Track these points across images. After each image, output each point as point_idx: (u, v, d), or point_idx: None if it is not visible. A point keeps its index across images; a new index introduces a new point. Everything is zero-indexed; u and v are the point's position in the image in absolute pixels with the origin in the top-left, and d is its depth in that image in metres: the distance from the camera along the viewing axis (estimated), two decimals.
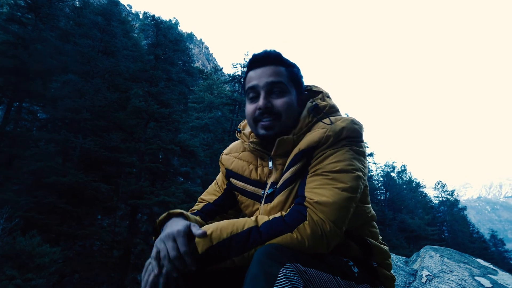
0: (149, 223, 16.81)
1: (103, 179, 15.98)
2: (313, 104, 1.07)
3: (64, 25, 20.05)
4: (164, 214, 0.96)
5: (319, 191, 0.89)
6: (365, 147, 1.03)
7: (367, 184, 1.05)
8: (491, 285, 2.29)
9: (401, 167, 43.62)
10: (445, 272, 2.45)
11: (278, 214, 0.90)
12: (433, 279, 2.32)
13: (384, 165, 39.35)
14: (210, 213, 1.18)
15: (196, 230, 0.86)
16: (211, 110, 27.08)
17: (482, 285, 2.29)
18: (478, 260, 2.88)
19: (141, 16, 65.56)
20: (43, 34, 16.67)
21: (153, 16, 24.47)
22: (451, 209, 42.73)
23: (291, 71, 1.09)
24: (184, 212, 0.98)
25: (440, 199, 44.26)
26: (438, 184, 44.91)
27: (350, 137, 0.98)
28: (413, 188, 44.55)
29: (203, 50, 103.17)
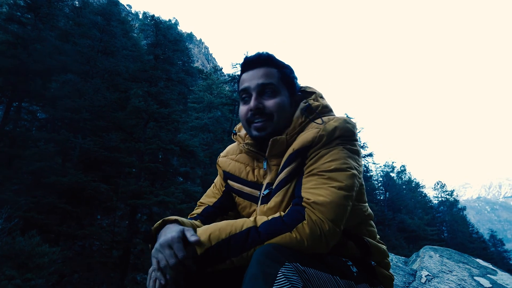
0: (149, 223, 16.79)
1: (103, 179, 15.96)
2: (306, 104, 1.08)
3: (63, 25, 20.03)
4: (159, 222, 0.97)
5: (315, 191, 0.89)
6: (359, 146, 1.04)
7: (363, 183, 1.05)
8: (490, 285, 2.29)
9: (400, 167, 43.68)
10: (444, 272, 2.46)
11: (277, 214, 0.90)
12: (433, 279, 2.32)
13: (383, 165, 39.40)
14: (211, 216, 1.18)
15: (190, 235, 0.86)
16: (210, 110, 27.07)
17: (482, 285, 2.29)
18: (478, 260, 2.89)
19: (140, 16, 65.55)
20: (42, 34, 16.64)
21: (153, 16, 24.43)
22: (451, 209, 42.76)
23: (283, 73, 1.09)
24: (179, 218, 0.98)
25: (440, 199, 44.30)
26: (438, 184, 44.94)
27: (344, 136, 0.98)
28: (413, 188, 44.58)
29: (203, 50, 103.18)
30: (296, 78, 1.15)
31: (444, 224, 41.78)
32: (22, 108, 18.12)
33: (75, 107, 16.01)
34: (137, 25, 43.48)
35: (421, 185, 46.36)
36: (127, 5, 78.22)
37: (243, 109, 1.08)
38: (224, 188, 1.24)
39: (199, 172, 20.93)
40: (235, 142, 1.25)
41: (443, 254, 2.83)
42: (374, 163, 36.49)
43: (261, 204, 1.06)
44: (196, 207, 1.26)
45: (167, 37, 21.79)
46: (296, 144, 1.00)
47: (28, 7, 16.93)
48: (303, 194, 0.91)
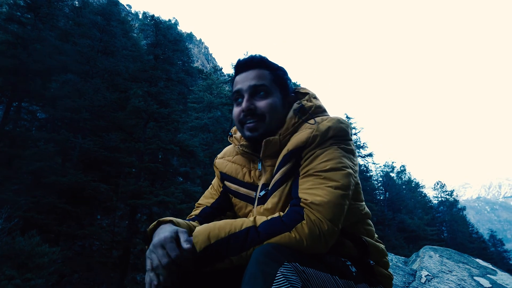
0: (149, 223, 16.79)
1: (103, 179, 15.96)
2: (299, 105, 1.08)
3: (63, 25, 20.03)
4: (154, 223, 0.97)
5: (312, 191, 0.90)
6: (354, 145, 1.05)
7: (359, 182, 1.06)
8: (490, 285, 2.29)
9: (400, 167, 43.68)
10: (444, 272, 2.46)
11: (276, 214, 0.90)
12: (433, 279, 2.32)
13: (383, 165, 39.39)
14: (208, 217, 1.19)
15: (183, 239, 0.86)
16: (210, 110, 27.05)
17: (481, 285, 2.29)
18: (477, 260, 2.89)
19: (140, 16, 65.52)
20: (42, 34, 16.64)
21: (153, 16, 24.42)
22: (451, 209, 42.76)
23: (276, 74, 1.11)
24: (174, 219, 0.99)
25: (440, 199, 44.30)
26: (438, 184, 44.95)
27: (337, 136, 0.99)
28: (413, 188, 44.58)
29: (203, 50, 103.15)
30: (289, 80, 1.16)
31: (444, 224, 41.78)
32: (22, 108, 18.12)
33: (75, 107, 16.00)
34: (137, 25, 43.47)
35: (421, 185, 46.37)
36: (127, 5, 78.19)
37: (236, 110, 1.10)
38: (221, 189, 1.25)
39: (199, 172, 20.92)
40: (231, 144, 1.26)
41: (443, 254, 2.84)
42: (374, 163, 36.51)
43: (257, 205, 1.07)
44: (194, 209, 1.27)
45: (167, 37, 21.79)
46: (290, 145, 1.00)
47: (28, 7, 16.91)
48: (300, 195, 0.91)
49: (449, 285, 2.22)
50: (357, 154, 1.06)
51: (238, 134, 1.20)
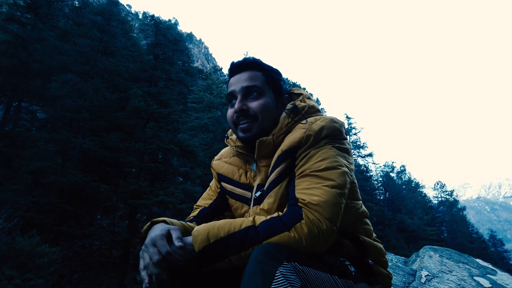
0: None
1: (103, 179, 15.96)
2: (292, 105, 1.09)
3: (63, 25, 20.01)
4: (148, 224, 0.98)
5: (309, 191, 0.90)
6: (348, 144, 1.05)
7: (355, 181, 1.07)
8: (490, 285, 2.29)
9: (400, 167, 43.68)
10: (444, 272, 2.46)
11: (275, 214, 0.90)
12: (432, 279, 2.32)
13: (383, 165, 39.40)
14: (207, 217, 1.20)
15: (175, 237, 0.87)
16: (210, 110, 27.05)
17: (481, 285, 2.29)
18: (477, 260, 2.89)
19: (140, 16, 65.51)
20: (42, 34, 16.63)
21: (153, 16, 24.42)
22: (451, 209, 42.76)
23: (269, 75, 1.12)
24: (167, 219, 0.99)
25: (440, 199, 44.31)
26: (437, 184, 44.95)
27: (331, 135, 1.00)
28: (413, 188, 44.57)
29: (203, 50, 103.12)
30: (283, 81, 1.17)
31: (444, 224, 41.79)
32: (22, 108, 18.11)
33: (75, 107, 16.00)
34: (137, 25, 43.45)
35: (421, 185, 46.36)
36: (127, 5, 78.18)
37: (229, 112, 1.11)
38: (219, 190, 1.26)
39: (199, 172, 20.91)
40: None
41: (443, 254, 2.84)
42: (374, 163, 36.54)
43: (254, 205, 1.07)
44: (193, 210, 1.28)
45: (167, 37, 21.79)
46: (284, 145, 1.01)
47: (28, 7, 16.90)
48: (297, 195, 0.91)
49: (449, 285, 2.21)
50: (352, 152, 1.07)
51: (234, 136, 1.21)
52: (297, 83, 38.96)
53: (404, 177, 43.99)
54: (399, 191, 38.04)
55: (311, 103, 1.13)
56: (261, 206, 1.03)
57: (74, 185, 13.98)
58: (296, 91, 1.20)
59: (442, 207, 43.59)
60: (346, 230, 1.02)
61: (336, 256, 0.93)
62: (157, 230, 0.90)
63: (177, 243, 0.86)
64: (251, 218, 0.90)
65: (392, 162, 42.38)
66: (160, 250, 0.85)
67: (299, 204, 0.89)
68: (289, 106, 1.10)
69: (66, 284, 13.19)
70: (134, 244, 15.50)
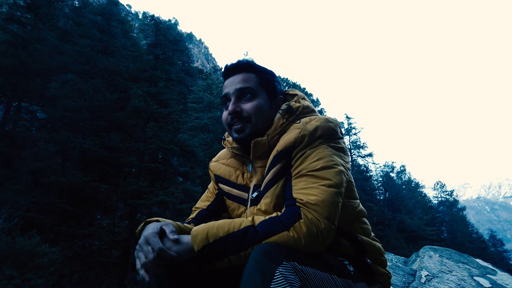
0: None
1: (103, 179, 15.95)
2: (286, 106, 1.10)
3: (63, 24, 20.00)
4: (141, 224, 0.99)
5: (306, 191, 0.91)
6: (344, 143, 1.06)
7: (351, 180, 1.07)
8: (490, 285, 2.29)
9: (400, 167, 43.67)
10: (444, 272, 2.46)
11: (274, 214, 0.90)
12: (432, 279, 2.32)
13: (383, 165, 39.38)
14: (204, 219, 1.21)
15: (169, 231, 0.88)
16: (210, 110, 27.05)
17: (481, 285, 2.29)
18: (477, 260, 2.89)
19: (140, 16, 65.53)
20: (42, 34, 16.63)
21: (153, 16, 24.40)
22: (450, 209, 42.75)
23: (262, 77, 1.13)
24: (160, 218, 1.00)
25: (439, 199, 44.29)
26: (437, 184, 44.94)
27: (326, 135, 1.00)
28: (412, 188, 44.57)
29: (203, 50, 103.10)
30: (277, 82, 1.18)
31: (444, 224, 41.78)
32: (22, 108, 18.11)
33: (75, 107, 15.99)
34: (137, 25, 43.46)
35: (420, 185, 46.35)
36: (127, 5, 78.17)
37: (224, 114, 1.13)
38: (217, 191, 1.27)
39: (199, 172, 20.90)
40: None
41: (443, 254, 2.84)
42: (374, 163, 36.49)
43: (251, 206, 1.08)
44: (192, 213, 1.29)
45: (167, 37, 21.77)
46: (279, 146, 1.02)
47: (28, 7, 16.90)
48: (295, 195, 0.92)
49: (449, 285, 2.22)
50: (348, 152, 1.07)
51: (231, 138, 1.22)
52: (297, 83, 38.96)
53: (404, 177, 43.99)
54: (399, 191, 38.03)
55: (306, 103, 1.13)
56: (258, 206, 1.03)
57: (74, 185, 13.98)
58: (291, 92, 1.20)
59: (442, 207, 43.58)
60: (344, 229, 1.02)
61: (335, 256, 0.94)
62: (150, 228, 0.91)
63: (171, 236, 0.87)
64: (250, 218, 0.90)
65: (392, 162, 42.37)
66: (153, 247, 0.85)
67: (297, 204, 0.89)
68: (283, 106, 1.10)
69: (66, 284, 13.19)
70: (134, 244, 15.48)
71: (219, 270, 0.92)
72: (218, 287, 0.96)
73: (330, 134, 1.01)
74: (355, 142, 34.44)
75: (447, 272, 2.46)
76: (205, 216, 1.23)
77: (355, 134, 34.56)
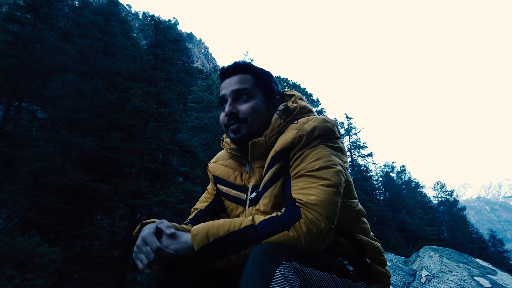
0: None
1: (103, 179, 15.96)
2: (284, 106, 1.11)
3: (63, 24, 20.01)
4: (138, 226, 0.99)
5: (306, 191, 0.91)
6: (342, 143, 1.06)
7: (350, 179, 1.07)
8: (490, 285, 2.29)
9: (400, 167, 43.66)
10: (444, 272, 2.46)
11: (274, 214, 0.90)
12: (433, 279, 2.32)
13: (383, 165, 39.39)
14: (202, 220, 1.21)
15: (165, 227, 0.89)
16: (210, 110, 27.06)
17: (482, 285, 2.29)
18: (477, 260, 2.89)
19: (140, 16, 65.56)
20: (42, 34, 16.63)
21: (153, 16, 24.39)
22: (451, 209, 42.75)
23: (258, 78, 1.14)
24: (156, 220, 1.01)
25: (440, 199, 44.29)
26: (438, 184, 44.94)
27: (324, 135, 1.00)
28: (413, 188, 44.57)
29: (203, 50, 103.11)
30: (274, 83, 1.19)
31: (444, 224, 41.77)
32: (22, 108, 18.10)
33: (75, 107, 16.00)
34: (137, 25, 43.46)
35: (421, 185, 46.33)
36: (127, 5, 78.18)
37: (221, 115, 1.14)
38: (215, 192, 1.28)
39: (199, 172, 20.90)
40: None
41: (443, 254, 2.83)
42: (374, 163, 36.49)
43: (249, 206, 1.09)
44: (190, 214, 1.29)
45: (167, 37, 21.76)
46: (277, 146, 1.02)
47: (28, 7, 16.90)
48: (294, 196, 0.92)
49: (449, 285, 2.21)
50: (346, 151, 1.08)
51: (229, 139, 1.23)
52: (297, 83, 38.95)
53: (404, 177, 43.98)
54: (399, 191, 38.03)
55: (303, 103, 1.14)
56: (257, 207, 1.04)
57: (74, 185, 13.98)
58: (288, 92, 1.21)
59: (442, 207, 43.58)
60: (343, 229, 1.02)
61: (335, 256, 0.94)
62: (146, 229, 0.92)
63: (167, 231, 0.88)
64: (250, 218, 0.90)
65: (392, 162, 42.40)
66: (151, 246, 0.86)
67: (296, 204, 0.89)
68: (281, 107, 1.11)
69: (66, 284, 13.19)
70: (133, 246, 15.46)
71: (219, 270, 0.92)
72: (217, 287, 0.97)
73: (328, 134, 1.01)
74: (355, 142, 34.44)
75: (447, 272, 2.46)
76: (203, 217, 1.23)
77: (355, 134, 34.57)
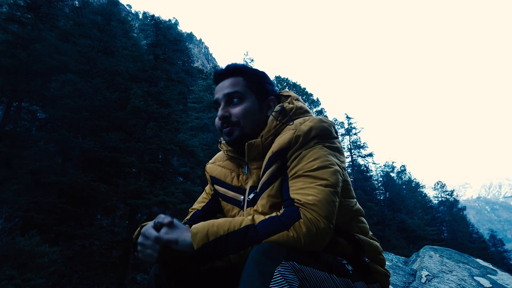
0: None
1: (103, 179, 15.97)
2: (280, 107, 1.11)
3: (63, 24, 20.02)
4: (138, 229, 1.01)
5: (304, 191, 0.91)
6: (339, 143, 1.06)
7: (347, 179, 1.07)
8: (490, 285, 2.29)
9: (400, 167, 43.62)
10: (444, 272, 2.45)
11: (274, 214, 0.91)
12: (433, 279, 2.32)
13: (383, 165, 39.34)
14: (199, 220, 1.21)
15: (162, 218, 0.92)
16: (210, 110, 27.05)
17: (482, 285, 2.29)
18: (478, 260, 2.88)
19: (140, 16, 65.63)
20: (42, 34, 16.63)
21: (153, 16, 24.40)
22: (451, 209, 42.74)
23: (251, 80, 1.14)
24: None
25: (440, 199, 44.27)
26: (438, 184, 44.92)
27: (321, 135, 1.01)
28: (413, 188, 44.54)
29: (203, 50, 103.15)
30: (268, 83, 1.19)
31: (444, 224, 41.76)
32: (22, 108, 18.11)
33: (75, 107, 16.01)
34: (137, 25, 43.48)
35: (421, 185, 46.30)
36: (127, 5, 78.23)
37: (216, 119, 1.15)
38: (212, 192, 1.29)
39: (199, 172, 20.90)
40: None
41: (443, 254, 2.83)
42: (374, 163, 36.45)
43: (247, 207, 1.09)
44: (188, 214, 1.31)
45: (167, 37, 21.77)
46: (274, 147, 1.03)
47: (28, 7, 16.91)
48: (292, 196, 0.92)
49: (449, 285, 2.21)
50: (343, 151, 1.08)
51: None
52: (297, 83, 38.90)
53: (404, 177, 43.95)
54: (399, 191, 38.01)
55: (299, 104, 1.14)
56: (255, 207, 1.04)
57: (74, 185, 13.99)
58: (285, 93, 1.22)
59: (442, 207, 43.57)
60: (341, 228, 1.02)
61: (334, 255, 0.94)
62: (146, 227, 0.94)
63: (165, 220, 0.90)
64: (250, 217, 0.90)
65: (392, 162, 42.32)
66: (150, 237, 0.89)
67: (295, 204, 0.90)
68: (277, 108, 1.12)
69: (66, 284, 13.20)
70: (133, 249, 15.46)
71: (218, 270, 0.92)
72: (217, 286, 0.97)
73: (324, 134, 1.01)
74: (355, 142, 34.43)
75: (448, 272, 2.45)
76: (200, 217, 1.24)
77: (355, 134, 34.55)
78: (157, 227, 0.91)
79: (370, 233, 1.13)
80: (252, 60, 29.93)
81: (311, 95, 37.78)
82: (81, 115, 16.11)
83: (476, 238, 43.46)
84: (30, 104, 18.44)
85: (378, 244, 1.10)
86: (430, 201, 46.04)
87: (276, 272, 0.74)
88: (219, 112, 1.11)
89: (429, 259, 2.69)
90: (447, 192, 44.38)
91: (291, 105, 1.12)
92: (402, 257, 3.03)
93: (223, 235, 0.86)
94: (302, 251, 0.84)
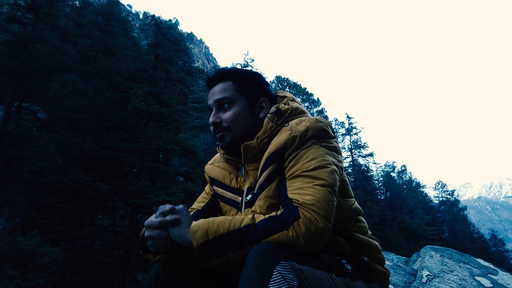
0: None
1: (103, 179, 15.98)
2: (275, 108, 1.11)
3: (64, 25, 20.05)
4: (143, 229, 1.02)
5: (302, 191, 0.91)
6: (337, 143, 1.06)
7: (345, 178, 1.07)
8: (491, 285, 2.29)
9: (401, 167, 43.56)
10: (445, 272, 2.45)
11: (273, 213, 0.91)
12: (434, 279, 2.32)
13: (384, 165, 39.28)
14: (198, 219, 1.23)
15: (162, 207, 0.95)
16: None
17: (483, 285, 2.29)
18: (478, 260, 2.88)
19: (141, 16, 65.67)
20: (43, 34, 16.66)
21: (153, 16, 24.43)
22: (451, 209, 42.68)
23: (240, 83, 1.14)
24: None
25: (440, 199, 44.21)
26: (438, 184, 44.86)
27: (317, 135, 1.01)
28: (413, 188, 44.48)
29: (203, 50, 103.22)
30: (261, 84, 1.19)
31: (445, 224, 41.71)
32: (22, 108, 18.14)
33: (75, 107, 16.03)
34: (137, 25, 43.52)
35: (421, 185, 46.21)
36: (128, 5, 78.34)
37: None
38: (212, 192, 1.29)
39: (199, 172, 20.90)
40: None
41: (444, 254, 2.83)
42: (375, 163, 36.40)
43: (245, 209, 1.09)
44: None
45: (167, 37, 21.80)
46: (271, 148, 1.03)
47: (29, 7, 16.94)
48: (290, 196, 0.92)
49: (450, 285, 2.21)
50: (340, 150, 1.08)
51: None
52: (298, 83, 38.91)
53: (405, 177, 43.90)
54: (400, 191, 37.96)
55: (295, 105, 1.14)
56: (253, 208, 1.04)
57: (75, 185, 14.01)
58: (280, 94, 1.22)
59: (443, 207, 43.51)
60: (340, 227, 1.02)
61: (333, 255, 0.94)
62: (148, 219, 0.97)
63: (167, 207, 0.94)
64: (250, 216, 0.90)
65: (393, 162, 42.24)
66: (154, 225, 0.93)
67: (293, 204, 0.90)
68: (272, 109, 1.11)
69: (67, 284, 13.21)
70: (135, 244, 15.52)
71: (218, 269, 0.92)
72: (216, 286, 0.97)
73: (321, 134, 1.01)
74: (356, 142, 34.41)
75: (448, 272, 2.45)
76: (200, 217, 1.23)
77: (356, 134, 34.54)
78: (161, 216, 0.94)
79: (369, 232, 1.13)
80: (253, 60, 29.87)
81: (312, 95, 37.76)
82: (82, 115, 16.13)
83: (477, 238, 43.39)
84: (31, 104, 18.47)
85: (377, 243, 1.10)
86: (431, 201, 45.97)
87: (275, 271, 0.74)
88: (210, 119, 1.13)
89: (430, 259, 2.69)
90: (448, 192, 44.32)
91: (286, 106, 1.12)
92: (403, 257, 3.03)
93: (223, 233, 0.86)
94: (301, 250, 0.84)
